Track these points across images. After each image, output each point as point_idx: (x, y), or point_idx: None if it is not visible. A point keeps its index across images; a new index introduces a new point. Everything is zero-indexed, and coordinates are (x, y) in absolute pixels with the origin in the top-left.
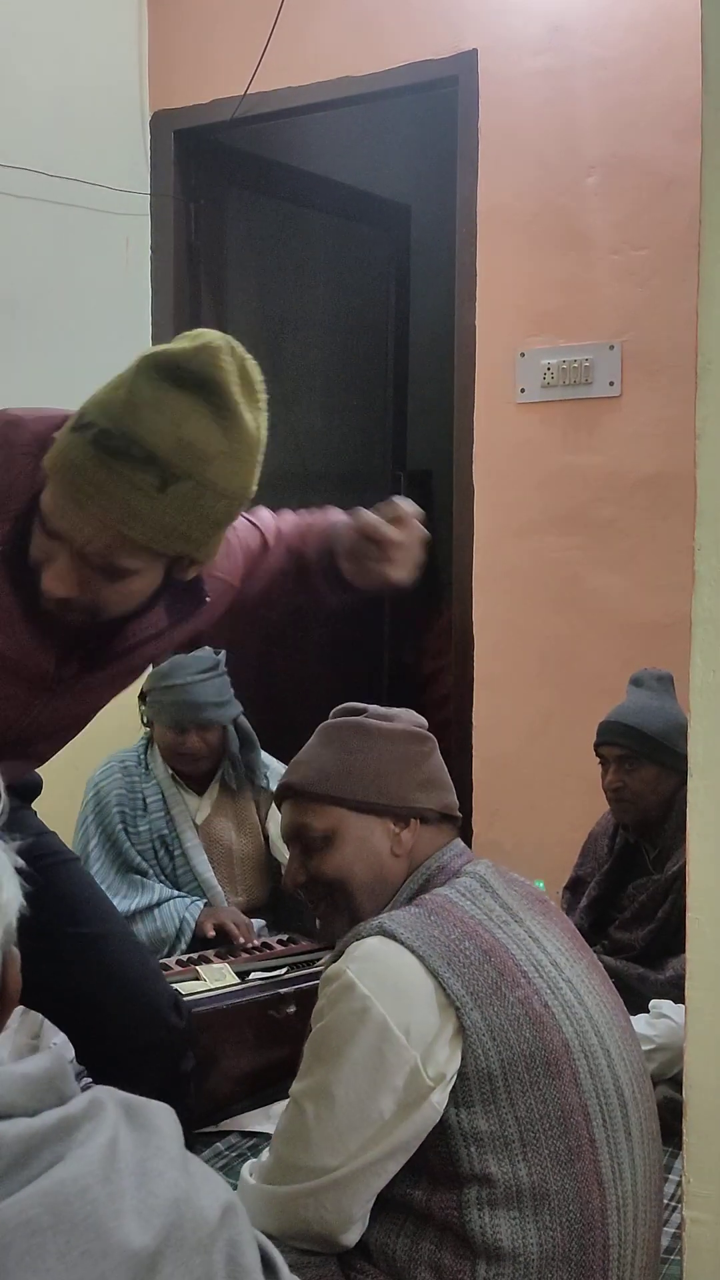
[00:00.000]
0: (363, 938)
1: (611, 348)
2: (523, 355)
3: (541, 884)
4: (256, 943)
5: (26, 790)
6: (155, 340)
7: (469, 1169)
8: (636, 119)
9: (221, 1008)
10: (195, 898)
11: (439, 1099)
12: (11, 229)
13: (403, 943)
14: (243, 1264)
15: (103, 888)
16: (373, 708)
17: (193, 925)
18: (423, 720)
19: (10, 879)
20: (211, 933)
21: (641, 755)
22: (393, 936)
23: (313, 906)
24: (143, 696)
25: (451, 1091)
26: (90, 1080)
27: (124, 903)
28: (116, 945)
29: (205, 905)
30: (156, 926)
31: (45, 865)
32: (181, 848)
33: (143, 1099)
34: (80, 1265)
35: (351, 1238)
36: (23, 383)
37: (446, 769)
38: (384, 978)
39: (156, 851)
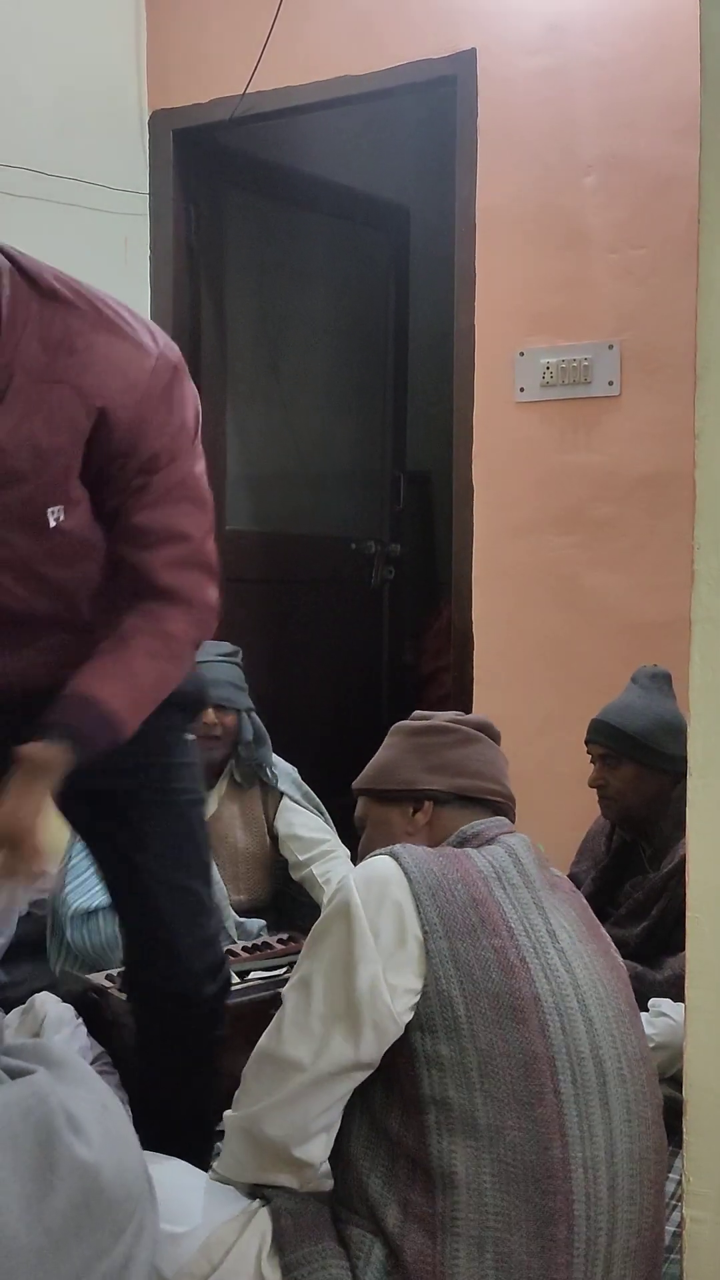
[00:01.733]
0: (377, 855)
1: (610, 347)
2: (522, 355)
3: (540, 846)
4: (257, 941)
5: (187, 702)
6: None
7: (429, 1092)
8: (635, 118)
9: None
10: None
11: (400, 1011)
12: (9, 228)
13: (401, 864)
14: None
15: (78, 879)
16: (421, 712)
17: None
18: (467, 718)
19: None
20: None
21: (622, 754)
22: (395, 857)
23: None
24: None
25: (416, 1015)
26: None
27: (93, 897)
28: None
29: None
30: (118, 923)
31: (171, 799)
32: None
33: (77, 1061)
34: (28, 1178)
35: (313, 1151)
36: None
37: (484, 759)
38: (372, 885)
39: None
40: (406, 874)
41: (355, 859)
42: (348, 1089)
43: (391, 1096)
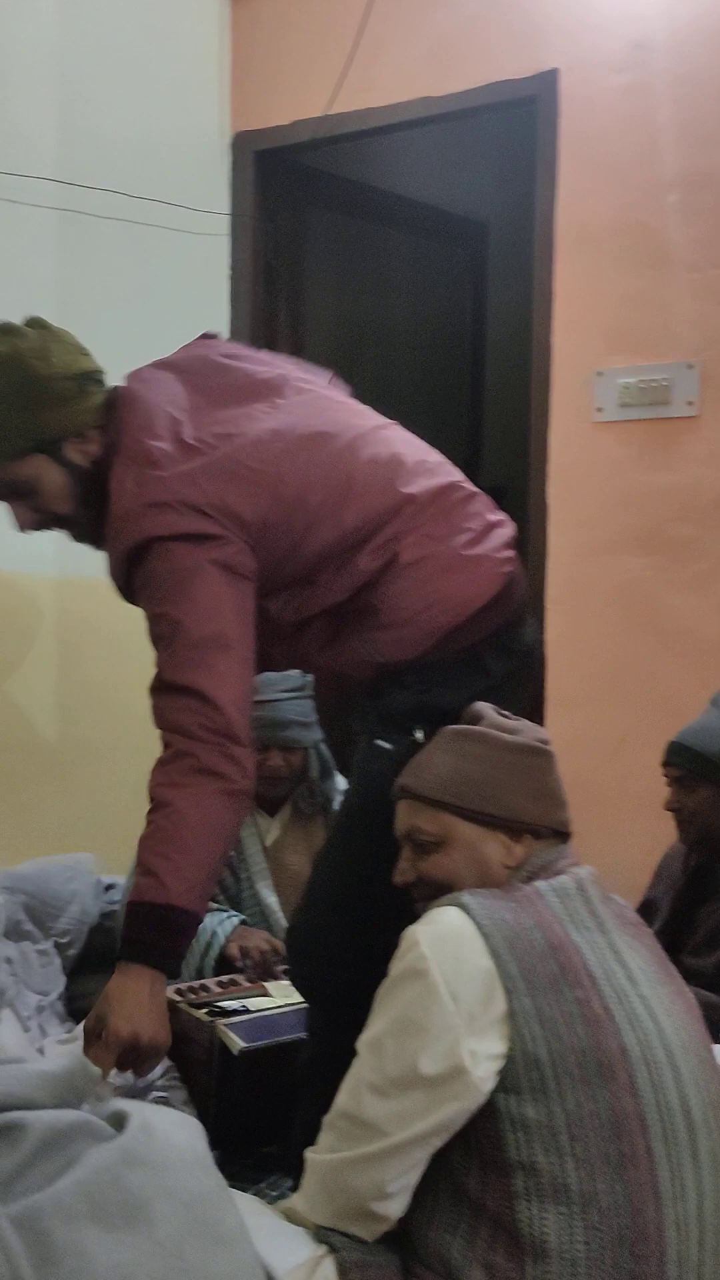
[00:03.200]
0: (441, 905)
1: (690, 367)
2: (600, 374)
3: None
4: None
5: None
6: None
7: (515, 1156)
8: (718, 135)
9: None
10: (231, 913)
11: (483, 1077)
12: (96, 250)
13: (473, 917)
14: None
15: None
16: (492, 714)
17: (222, 941)
18: (544, 734)
19: None
20: (237, 954)
21: (698, 776)
22: (466, 910)
23: (418, 901)
24: None
25: (500, 1076)
26: (162, 1095)
27: None
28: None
29: (240, 924)
30: None
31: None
32: (247, 871)
33: (169, 1110)
34: (117, 1251)
35: (390, 1209)
36: None
37: (561, 784)
38: (445, 944)
39: (220, 872)
40: (480, 928)
41: (422, 879)
42: (428, 1153)
43: (470, 1156)
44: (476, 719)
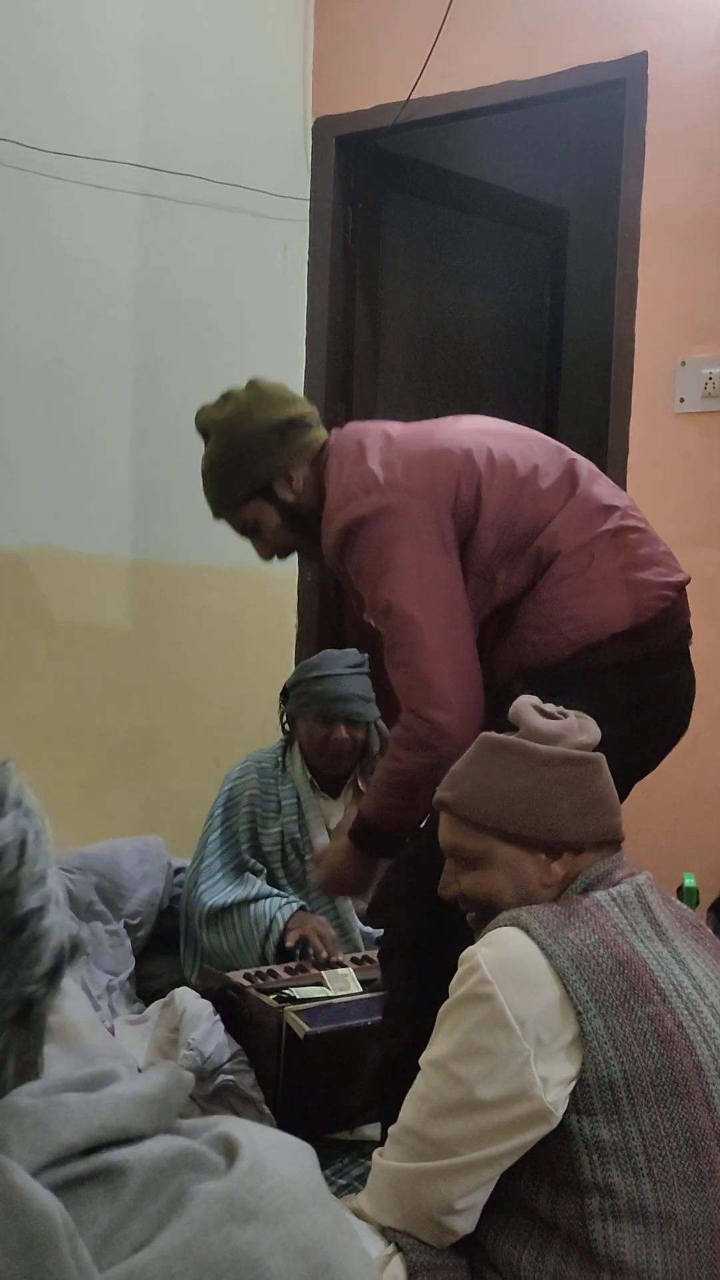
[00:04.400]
0: (500, 925)
1: None
2: (683, 364)
3: (691, 878)
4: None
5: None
6: (310, 344)
7: (590, 1177)
8: None
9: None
10: (290, 898)
11: (555, 1101)
12: (178, 236)
13: (534, 938)
14: None
15: (211, 879)
16: (533, 715)
17: (281, 927)
18: (589, 736)
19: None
20: (293, 943)
21: None
22: (527, 930)
23: (466, 913)
24: (285, 694)
25: (572, 1097)
26: (230, 1079)
27: (227, 895)
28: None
29: (299, 910)
30: (250, 921)
31: None
32: (312, 851)
33: (280, 1135)
34: None
35: (457, 1224)
36: (182, 385)
37: (611, 789)
38: (509, 968)
39: (286, 853)
40: (543, 949)
41: (465, 895)
42: (497, 1173)
43: (540, 1177)
44: (516, 722)
